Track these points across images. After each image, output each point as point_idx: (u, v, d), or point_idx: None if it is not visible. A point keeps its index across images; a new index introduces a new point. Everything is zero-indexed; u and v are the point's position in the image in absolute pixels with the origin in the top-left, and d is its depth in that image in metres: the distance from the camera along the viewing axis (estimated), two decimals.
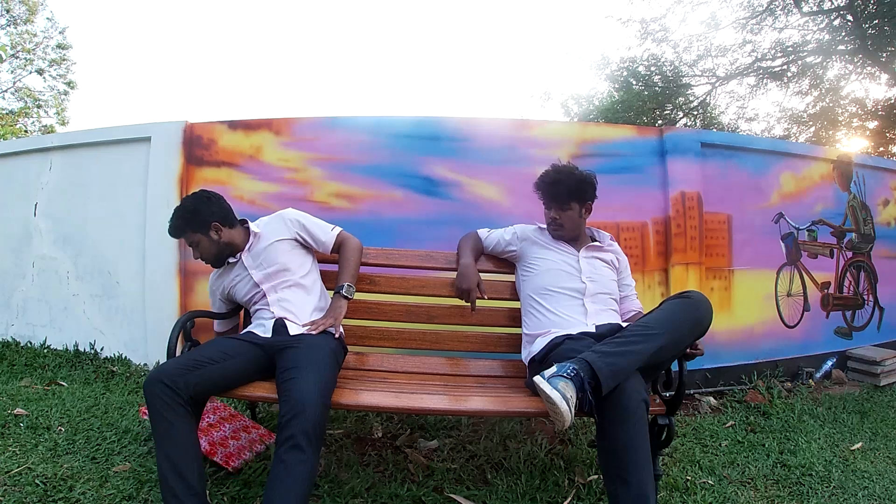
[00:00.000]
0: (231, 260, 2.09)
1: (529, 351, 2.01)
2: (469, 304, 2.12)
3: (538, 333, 2.00)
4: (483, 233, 2.38)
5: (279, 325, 1.95)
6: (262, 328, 1.96)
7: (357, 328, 2.31)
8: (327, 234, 2.16)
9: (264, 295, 2.03)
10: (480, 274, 2.20)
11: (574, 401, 1.43)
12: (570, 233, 2.18)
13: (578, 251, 2.16)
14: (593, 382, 1.46)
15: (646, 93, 13.49)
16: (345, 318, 2.12)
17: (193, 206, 2.03)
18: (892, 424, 2.78)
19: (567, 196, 2.14)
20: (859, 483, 2.10)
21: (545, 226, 2.27)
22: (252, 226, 2.14)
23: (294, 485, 1.43)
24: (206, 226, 2.02)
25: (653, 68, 13.35)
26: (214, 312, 2.20)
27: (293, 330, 1.94)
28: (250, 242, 2.09)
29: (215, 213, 2.05)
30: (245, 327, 2.14)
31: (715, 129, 13.96)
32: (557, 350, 1.82)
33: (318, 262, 2.25)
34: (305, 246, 2.17)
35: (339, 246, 2.16)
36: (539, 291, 2.10)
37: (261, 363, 1.84)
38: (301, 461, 1.46)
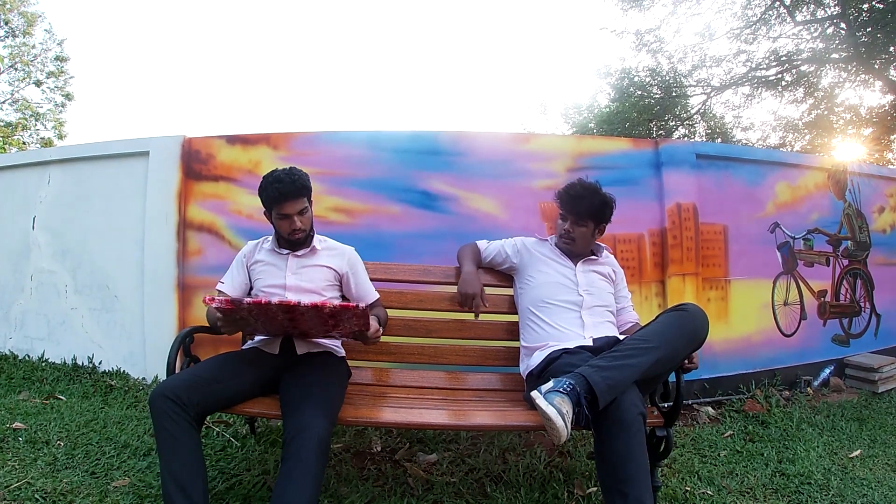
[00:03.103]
0: (283, 251, 2.06)
1: (527, 364, 2.02)
2: (472, 312, 2.12)
3: (536, 347, 2.01)
4: (482, 244, 2.39)
5: (287, 343, 1.95)
6: (268, 345, 1.96)
7: (356, 343, 2.30)
8: (370, 293, 2.17)
9: None
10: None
11: (570, 416, 1.44)
12: (579, 248, 2.20)
13: (576, 264, 2.18)
14: (590, 397, 1.47)
15: (645, 101, 13.58)
16: None
17: (303, 174, 2.00)
18: (891, 431, 2.79)
19: (587, 213, 2.14)
20: (858, 490, 2.10)
21: (545, 238, 2.29)
22: (316, 238, 2.11)
23: (299, 501, 1.43)
24: (310, 196, 2.04)
25: (648, 79, 13.46)
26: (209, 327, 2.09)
27: (301, 349, 1.94)
28: (305, 251, 2.08)
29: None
30: (245, 341, 2.15)
31: (720, 139, 14.08)
32: (555, 364, 1.83)
33: None
34: (340, 288, 2.15)
35: (372, 307, 2.14)
36: (537, 304, 2.11)
37: (265, 382, 1.84)
38: (307, 476, 1.46)
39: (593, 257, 2.23)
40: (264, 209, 2.05)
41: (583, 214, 2.14)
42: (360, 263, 2.19)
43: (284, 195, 1.94)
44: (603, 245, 2.33)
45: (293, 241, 2.03)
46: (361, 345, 2.29)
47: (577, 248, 2.20)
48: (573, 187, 2.17)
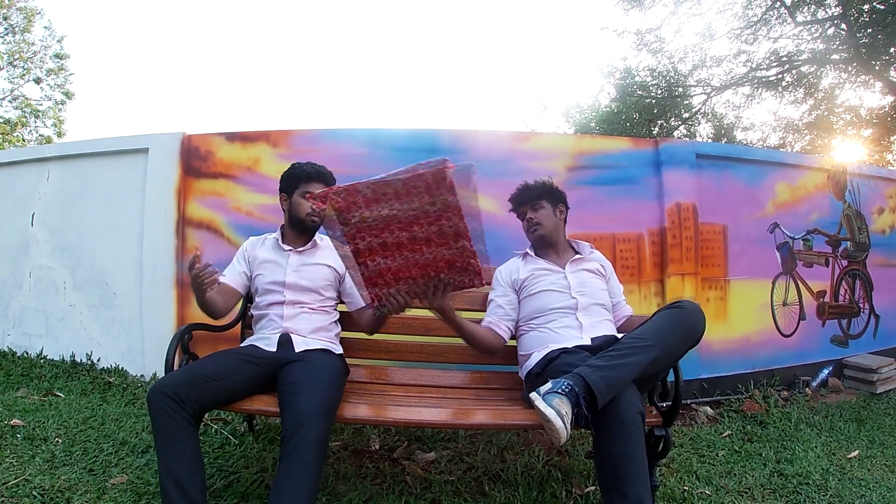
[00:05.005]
0: (286, 247, 2.09)
1: (526, 364, 2.01)
2: None
3: (534, 350, 2.00)
4: (492, 323, 2.15)
5: (284, 339, 1.95)
6: (266, 341, 1.96)
7: (354, 341, 2.31)
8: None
9: (283, 303, 2.01)
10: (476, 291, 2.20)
11: (569, 416, 1.43)
12: (549, 233, 2.19)
13: (564, 267, 2.16)
14: (588, 397, 1.46)
15: (645, 101, 13.58)
16: (342, 330, 2.15)
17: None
18: (889, 432, 2.79)
19: (537, 196, 2.22)
20: (856, 491, 2.10)
21: (522, 253, 2.27)
22: (318, 235, 2.15)
23: (297, 498, 1.43)
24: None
25: (649, 79, 13.46)
26: (210, 324, 2.12)
27: (298, 346, 1.94)
28: (306, 247, 2.10)
29: None
30: (244, 338, 2.15)
31: (725, 139, 14.10)
32: (553, 364, 1.82)
33: None
34: (338, 287, 2.16)
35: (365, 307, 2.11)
36: (533, 315, 2.08)
37: (263, 380, 1.83)
38: (305, 474, 1.46)
39: (578, 256, 2.21)
40: (282, 193, 2.13)
41: (533, 198, 2.22)
42: None
43: (320, 174, 2.09)
44: (584, 242, 2.32)
45: (307, 225, 2.08)
46: (359, 343, 2.31)
47: (548, 234, 2.19)
48: (517, 189, 2.28)
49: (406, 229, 1.52)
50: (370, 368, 2.33)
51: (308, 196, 1.55)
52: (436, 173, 1.43)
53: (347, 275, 2.12)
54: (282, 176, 2.14)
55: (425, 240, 1.54)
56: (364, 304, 2.10)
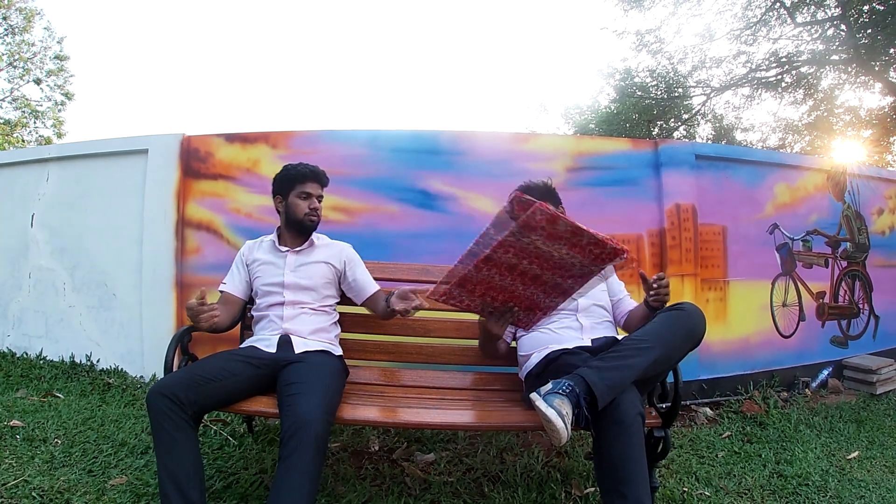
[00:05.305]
0: (282, 248, 2.09)
1: (526, 365, 2.01)
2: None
3: (534, 351, 2.00)
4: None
5: (284, 341, 1.95)
6: (265, 342, 1.95)
7: (353, 342, 2.31)
8: (371, 284, 2.16)
9: (282, 304, 2.02)
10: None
11: (570, 417, 1.43)
12: None
13: None
14: (589, 398, 1.47)
15: (645, 102, 13.58)
16: (342, 331, 2.15)
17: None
18: (889, 433, 2.79)
19: (539, 197, 2.17)
20: (856, 492, 2.10)
21: None
22: (315, 234, 2.15)
23: (297, 499, 1.43)
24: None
25: (648, 80, 13.46)
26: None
27: (298, 347, 1.94)
28: (303, 246, 2.10)
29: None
30: (243, 339, 2.15)
31: (725, 140, 14.11)
32: (553, 365, 1.82)
33: None
34: (340, 284, 2.17)
35: (372, 297, 2.15)
36: None
37: (262, 381, 1.83)
38: (304, 475, 1.45)
39: None
40: (276, 196, 2.13)
41: (537, 199, 2.17)
42: (358, 257, 2.20)
43: (315, 174, 2.10)
44: None
45: (305, 225, 2.08)
46: (359, 344, 2.31)
47: None
48: (521, 190, 2.21)
49: (542, 268, 1.56)
50: (370, 370, 2.33)
51: (517, 194, 1.50)
52: (612, 252, 1.51)
53: (349, 270, 2.15)
54: (275, 178, 2.14)
55: (542, 282, 1.60)
56: (373, 292, 2.14)
